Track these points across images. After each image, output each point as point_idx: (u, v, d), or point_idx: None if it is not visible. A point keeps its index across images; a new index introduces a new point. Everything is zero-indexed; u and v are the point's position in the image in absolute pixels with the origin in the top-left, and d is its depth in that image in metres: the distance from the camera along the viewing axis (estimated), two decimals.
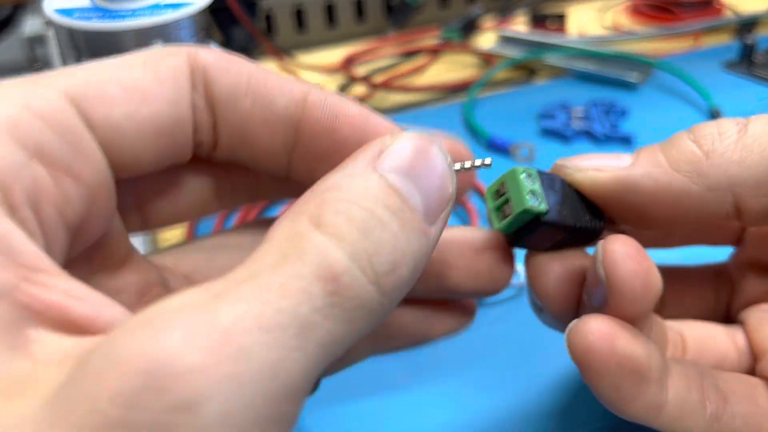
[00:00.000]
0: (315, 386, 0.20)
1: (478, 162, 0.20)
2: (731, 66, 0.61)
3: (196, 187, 0.20)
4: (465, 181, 0.22)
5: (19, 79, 0.15)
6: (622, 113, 0.55)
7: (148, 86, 0.17)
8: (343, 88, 0.63)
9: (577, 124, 0.53)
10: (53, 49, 0.48)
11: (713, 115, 0.53)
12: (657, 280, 0.20)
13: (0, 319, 0.12)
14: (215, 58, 0.18)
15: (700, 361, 0.24)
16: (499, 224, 0.20)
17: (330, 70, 0.65)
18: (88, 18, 0.34)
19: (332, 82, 0.65)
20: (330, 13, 0.74)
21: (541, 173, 0.21)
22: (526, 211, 0.20)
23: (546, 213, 0.20)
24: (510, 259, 0.22)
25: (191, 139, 0.18)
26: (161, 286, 0.20)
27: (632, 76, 0.59)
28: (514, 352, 0.33)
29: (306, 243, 0.14)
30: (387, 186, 0.16)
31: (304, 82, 0.19)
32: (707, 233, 0.26)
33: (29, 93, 0.15)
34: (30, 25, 0.55)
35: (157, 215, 0.20)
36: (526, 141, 0.51)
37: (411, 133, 0.18)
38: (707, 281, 0.27)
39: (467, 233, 0.22)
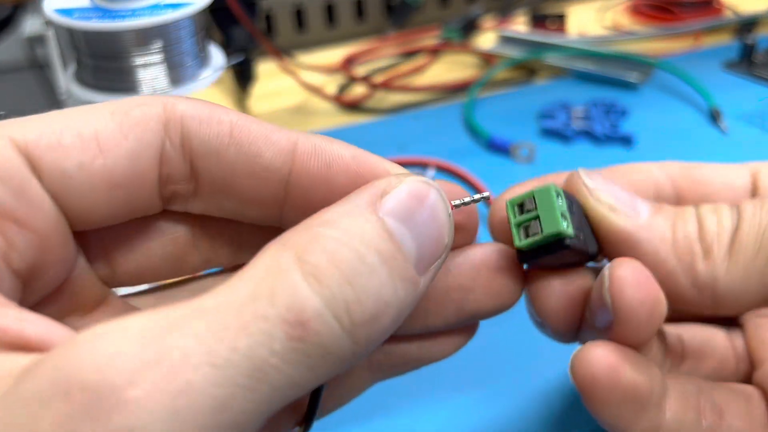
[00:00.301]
0: (307, 427, 0.19)
1: (477, 196, 0.20)
2: (731, 66, 0.61)
3: (169, 239, 0.19)
4: (471, 222, 0.21)
5: None
6: (623, 113, 0.55)
7: (108, 137, 0.16)
8: (343, 88, 0.63)
9: (578, 124, 0.53)
10: (53, 49, 0.48)
11: (713, 115, 0.53)
12: (663, 308, 0.19)
13: None
14: (194, 107, 0.17)
15: (699, 367, 0.24)
16: (520, 242, 0.20)
17: (330, 70, 0.65)
18: (88, 18, 0.34)
19: (332, 82, 0.65)
20: (330, 13, 0.74)
21: (565, 192, 0.20)
22: (558, 234, 0.19)
23: (573, 237, 0.19)
24: (521, 274, 0.22)
25: (156, 192, 0.17)
26: None
27: (632, 76, 0.58)
28: (511, 354, 0.33)
29: (282, 281, 0.14)
30: (383, 230, 0.16)
31: (292, 130, 0.18)
32: None
33: None
34: (30, 25, 0.55)
35: (127, 267, 0.19)
36: (526, 141, 0.51)
37: (414, 177, 0.17)
38: None
39: (479, 253, 0.21)
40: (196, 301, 0.14)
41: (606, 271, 0.19)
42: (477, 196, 0.20)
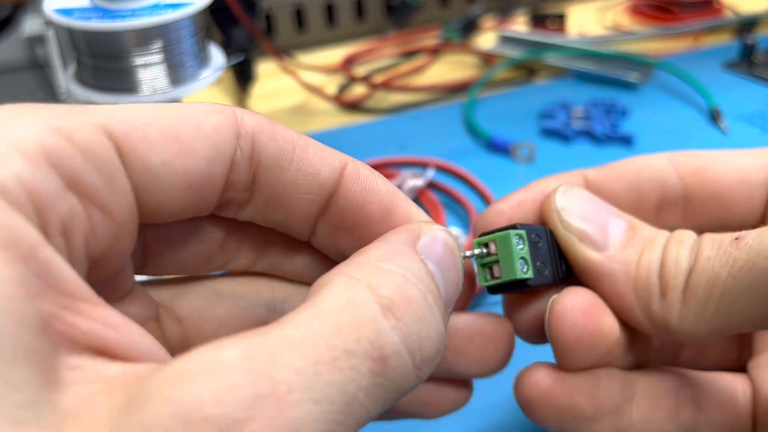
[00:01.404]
0: None
1: (477, 251, 0.21)
2: (731, 66, 0.61)
3: (204, 240, 0.20)
4: (468, 275, 0.22)
5: (57, 106, 0.15)
6: (622, 113, 0.55)
7: (188, 139, 0.16)
8: (343, 88, 0.64)
9: (578, 124, 0.53)
10: (53, 49, 0.48)
11: (713, 115, 0.53)
12: (605, 341, 0.20)
13: (40, 352, 0.12)
14: (262, 122, 0.18)
15: (700, 357, 0.24)
16: (485, 282, 0.21)
17: (330, 70, 0.65)
18: (88, 18, 0.34)
19: (332, 82, 0.65)
20: (330, 13, 0.74)
21: (529, 230, 0.21)
22: (516, 280, 0.20)
23: (532, 278, 0.20)
24: (512, 342, 0.22)
25: (218, 196, 0.18)
26: (155, 321, 0.20)
27: (632, 76, 0.59)
28: None
29: (363, 316, 0.14)
30: (429, 271, 0.17)
31: (340, 153, 0.19)
32: None
33: (69, 121, 0.15)
34: (30, 25, 0.55)
35: (158, 260, 0.20)
36: (526, 141, 0.51)
37: (438, 226, 0.19)
38: None
39: (477, 321, 0.22)
40: (279, 329, 0.14)
41: (549, 303, 0.21)
42: (477, 251, 0.21)
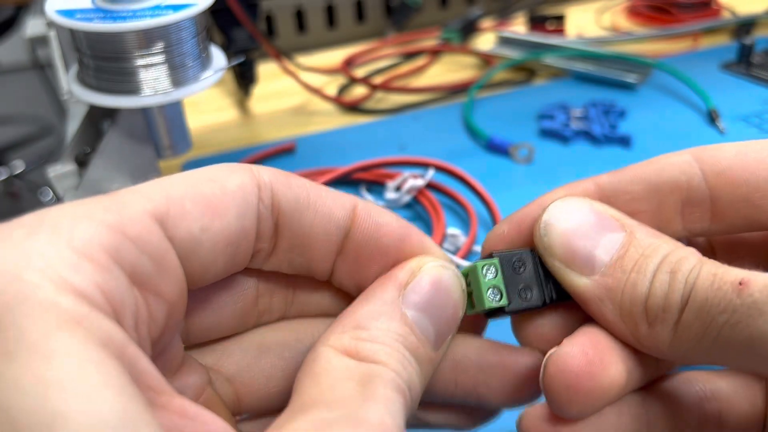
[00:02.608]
0: None
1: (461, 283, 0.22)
2: (729, 66, 0.61)
3: (239, 297, 0.21)
4: None
5: (102, 198, 0.16)
6: (621, 114, 0.55)
7: (218, 201, 0.17)
8: (343, 89, 0.64)
9: (576, 125, 0.53)
10: (55, 50, 0.48)
11: (711, 115, 0.53)
12: (605, 396, 0.19)
13: None
14: (276, 174, 0.19)
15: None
16: (470, 311, 0.21)
17: (330, 71, 0.66)
18: (90, 19, 0.35)
19: (332, 83, 0.65)
20: (330, 14, 0.74)
21: (507, 257, 0.21)
22: (488, 309, 0.21)
23: (508, 305, 0.21)
24: (536, 375, 0.22)
25: (252, 247, 0.19)
26: (210, 386, 0.20)
27: (631, 77, 0.59)
28: None
29: (345, 401, 0.16)
30: (409, 326, 0.19)
31: (350, 195, 0.20)
32: None
33: (122, 216, 0.15)
34: (32, 26, 0.55)
35: (201, 324, 0.20)
36: (525, 141, 0.51)
37: (434, 262, 0.20)
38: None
39: (510, 357, 0.22)
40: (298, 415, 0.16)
41: (544, 360, 0.20)
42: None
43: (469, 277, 0.21)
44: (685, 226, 0.21)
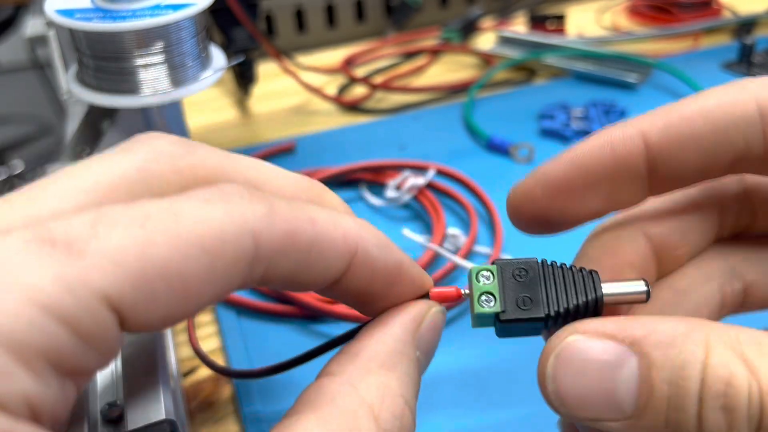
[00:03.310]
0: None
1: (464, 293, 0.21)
2: (730, 66, 0.61)
3: None
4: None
5: (56, 261, 0.14)
6: (621, 113, 0.55)
7: (196, 283, 0.15)
8: (343, 89, 0.64)
9: (577, 125, 0.53)
10: (54, 49, 0.48)
11: None
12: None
13: None
14: (281, 238, 0.16)
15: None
16: (473, 324, 0.21)
17: (330, 71, 0.65)
18: (89, 19, 0.34)
19: (332, 83, 0.65)
20: (330, 14, 0.74)
21: (507, 264, 0.20)
22: (480, 315, 0.20)
23: (503, 312, 0.20)
24: None
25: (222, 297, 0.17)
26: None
27: (631, 77, 0.59)
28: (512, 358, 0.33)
29: None
30: (418, 372, 0.19)
31: (351, 225, 0.18)
32: None
33: (73, 298, 0.13)
34: (31, 26, 0.55)
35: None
36: (526, 141, 0.51)
37: (436, 308, 0.20)
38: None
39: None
40: None
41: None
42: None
43: (469, 283, 0.21)
44: (730, 171, 0.20)
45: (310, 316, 0.37)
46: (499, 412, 0.31)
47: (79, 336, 0.14)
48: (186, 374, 0.35)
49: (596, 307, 0.20)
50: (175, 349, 0.35)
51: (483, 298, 0.20)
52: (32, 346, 0.13)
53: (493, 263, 0.21)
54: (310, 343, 0.24)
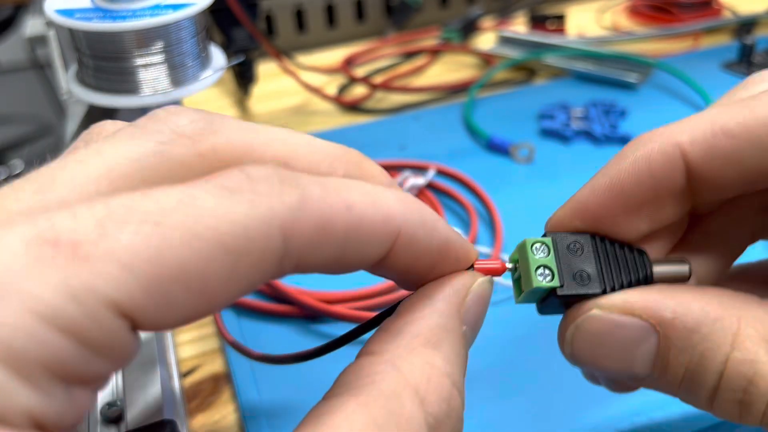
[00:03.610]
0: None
1: (510, 266, 0.20)
2: (730, 66, 0.61)
3: None
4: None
5: (68, 265, 0.13)
6: (622, 113, 0.55)
7: (217, 285, 0.14)
8: (343, 89, 0.64)
9: (577, 125, 0.53)
10: (54, 49, 0.48)
11: None
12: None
13: None
14: (313, 230, 0.15)
15: None
16: (517, 298, 0.20)
17: (330, 71, 0.65)
18: (89, 18, 0.34)
19: (332, 83, 0.65)
20: (330, 13, 0.74)
21: (562, 237, 0.20)
22: (536, 290, 0.19)
23: (561, 287, 0.19)
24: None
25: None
26: None
27: (631, 77, 0.59)
28: (516, 349, 0.33)
29: None
30: (466, 348, 0.18)
31: (394, 204, 0.17)
32: None
33: (82, 309, 0.13)
34: (31, 26, 0.55)
35: None
36: (526, 141, 0.51)
37: (482, 278, 0.19)
38: None
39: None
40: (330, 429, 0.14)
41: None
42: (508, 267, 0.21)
43: (519, 259, 0.20)
44: None
45: (310, 316, 0.37)
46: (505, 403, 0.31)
47: (85, 345, 0.13)
48: (186, 374, 0.35)
49: (648, 277, 0.20)
50: (175, 349, 0.35)
51: (539, 271, 0.19)
52: (32, 358, 0.12)
53: (545, 235, 0.20)
54: (310, 344, 0.24)
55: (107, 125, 0.18)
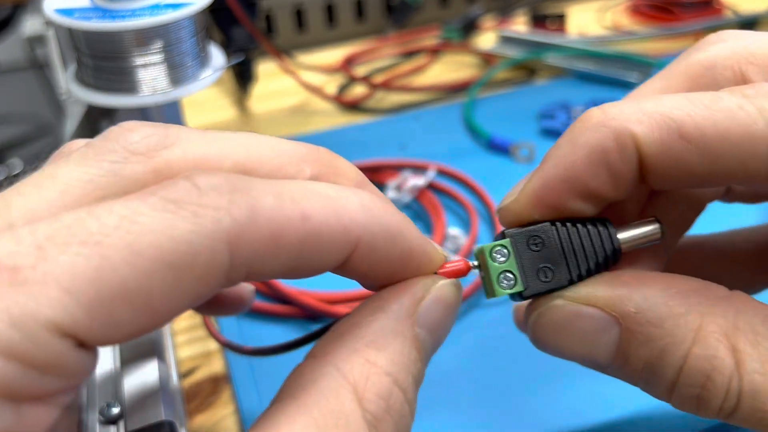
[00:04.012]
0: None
1: (474, 264, 0.20)
2: None
3: None
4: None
5: (8, 292, 0.13)
6: None
7: (162, 301, 0.14)
8: (343, 88, 0.64)
9: None
10: (53, 49, 0.48)
11: None
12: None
13: None
14: (264, 241, 0.15)
15: None
16: (487, 297, 0.20)
17: (330, 70, 0.65)
18: (88, 18, 0.34)
19: (332, 82, 0.65)
20: (330, 13, 0.74)
21: (520, 235, 0.19)
22: (497, 295, 0.19)
23: (525, 290, 0.19)
24: None
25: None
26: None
27: (632, 76, 0.59)
28: (509, 352, 0.33)
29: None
30: (418, 351, 0.17)
31: (354, 211, 0.16)
32: None
33: (26, 333, 0.13)
34: (30, 25, 0.55)
35: None
36: (527, 141, 0.51)
37: (443, 281, 0.19)
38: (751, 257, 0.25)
39: None
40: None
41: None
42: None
43: (480, 262, 0.20)
44: None
45: (310, 316, 0.37)
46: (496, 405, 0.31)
47: (30, 366, 0.13)
48: (186, 374, 0.35)
49: (615, 257, 0.20)
50: (174, 350, 0.35)
51: (501, 277, 0.19)
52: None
53: (502, 234, 0.19)
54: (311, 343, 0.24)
55: (75, 144, 0.18)
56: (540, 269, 0.19)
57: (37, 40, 0.54)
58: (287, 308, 0.37)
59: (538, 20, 0.70)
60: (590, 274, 0.19)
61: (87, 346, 0.14)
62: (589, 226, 0.20)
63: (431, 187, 0.46)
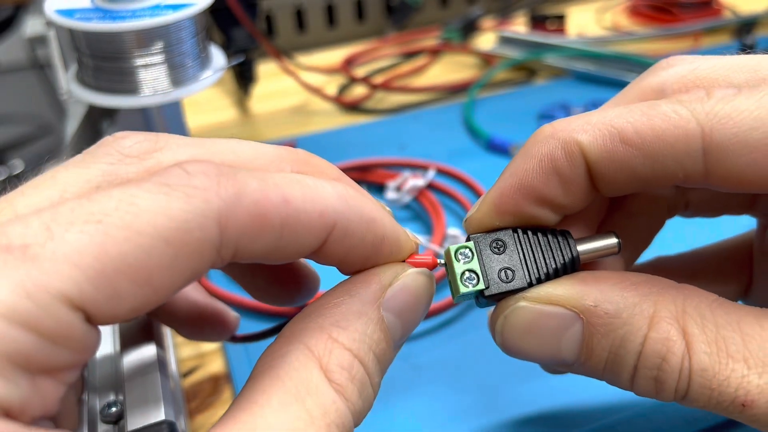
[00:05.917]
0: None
1: (441, 263, 0.21)
2: None
3: None
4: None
5: (17, 265, 0.14)
6: None
7: (162, 276, 0.15)
8: (343, 89, 0.64)
9: None
10: (54, 49, 0.48)
11: None
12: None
13: None
14: (249, 221, 0.16)
15: None
16: (455, 298, 0.21)
17: (330, 71, 0.65)
18: (89, 19, 0.34)
19: (332, 83, 0.65)
20: (330, 13, 0.74)
21: (484, 239, 0.21)
22: (463, 296, 0.20)
23: (486, 288, 0.20)
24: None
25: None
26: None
27: (631, 77, 0.59)
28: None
29: (321, 402, 0.17)
30: (384, 332, 0.19)
31: (329, 196, 0.18)
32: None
33: (33, 303, 0.14)
34: (31, 26, 0.55)
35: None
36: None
37: (413, 270, 0.20)
38: (725, 267, 0.26)
39: None
40: (249, 418, 0.16)
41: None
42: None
43: (446, 263, 0.21)
44: None
45: None
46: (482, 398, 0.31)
47: (44, 337, 0.14)
48: (186, 374, 0.35)
49: (573, 266, 0.21)
50: (175, 350, 0.35)
51: (465, 276, 0.20)
52: None
53: (468, 239, 0.21)
54: None
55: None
56: (501, 270, 0.20)
57: (39, 41, 0.55)
58: (287, 308, 0.37)
59: (538, 21, 0.70)
60: (549, 278, 0.20)
61: (93, 322, 0.15)
62: (550, 236, 0.21)
63: (431, 187, 0.46)
